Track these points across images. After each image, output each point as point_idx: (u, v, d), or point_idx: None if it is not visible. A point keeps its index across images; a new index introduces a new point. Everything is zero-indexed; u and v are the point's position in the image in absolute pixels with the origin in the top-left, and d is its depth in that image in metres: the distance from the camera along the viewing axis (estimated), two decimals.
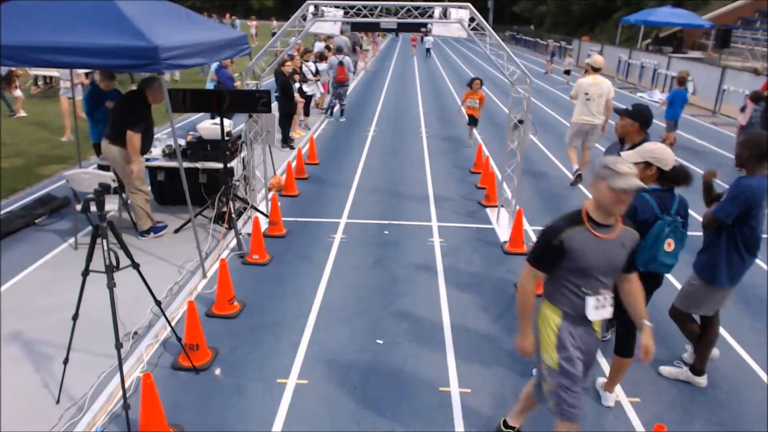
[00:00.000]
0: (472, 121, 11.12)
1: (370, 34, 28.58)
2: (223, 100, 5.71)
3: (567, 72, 23.07)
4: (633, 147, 4.16)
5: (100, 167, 6.59)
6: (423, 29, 6.51)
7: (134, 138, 5.73)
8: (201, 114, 11.95)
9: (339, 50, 13.35)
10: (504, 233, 6.81)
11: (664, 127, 11.25)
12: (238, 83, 10.06)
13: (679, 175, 3.34)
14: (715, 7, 28.64)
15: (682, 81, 11.08)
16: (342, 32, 16.23)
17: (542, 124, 13.49)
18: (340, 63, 12.74)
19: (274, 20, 40.13)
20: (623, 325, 3.72)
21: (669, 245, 3.30)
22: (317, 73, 12.35)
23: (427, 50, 31.27)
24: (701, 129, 14.01)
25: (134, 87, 6.30)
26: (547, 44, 34.33)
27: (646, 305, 3.64)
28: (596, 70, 8.28)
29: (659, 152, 3.34)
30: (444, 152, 10.77)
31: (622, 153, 3.55)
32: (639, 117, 4.14)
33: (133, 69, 5.02)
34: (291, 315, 4.93)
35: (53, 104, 14.03)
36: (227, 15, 39.59)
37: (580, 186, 8.65)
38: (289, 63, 10.40)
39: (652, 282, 3.54)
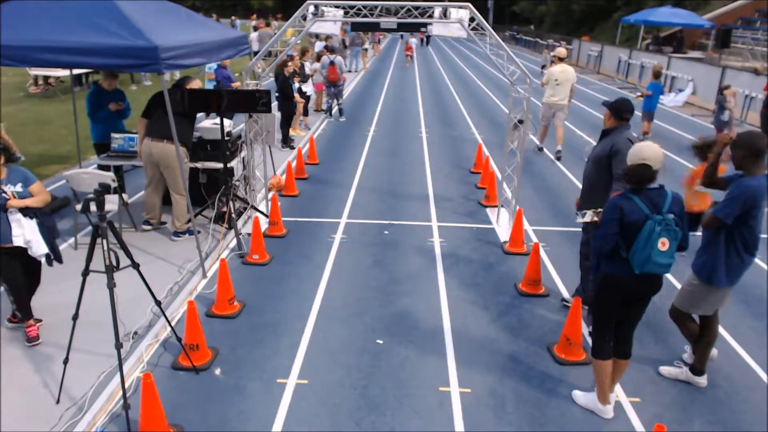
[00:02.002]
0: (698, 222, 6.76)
1: (371, 34, 28.20)
2: (223, 100, 5.71)
3: (544, 66, 22.99)
4: (607, 132, 4.52)
5: (101, 167, 6.59)
6: (423, 29, 6.51)
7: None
8: (200, 114, 11.94)
9: (332, 50, 13.32)
10: (504, 233, 6.81)
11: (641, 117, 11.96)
12: (237, 83, 10.06)
13: (627, 175, 3.41)
14: (715, 7, 28.63)
15: (657, 74, 11.87)
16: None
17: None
18: (332, 63, 12.71)
19: (273, 20, 39.91)
20: (620, 327, 3.71)
21: (663, 244, 3.24)
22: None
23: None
24: (701, 129, 13.98)
25: (134, 87, 6.29)
26: (546, 44, 31.58)
27: (642, 313, 3.66)
28: (561, 59, 10.06)
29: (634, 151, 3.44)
30: (444, 152, 10.76)
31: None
32: (610, 107, 4.54)
33: (133, 69, 5.02)
34: (291, 315, 4.93)
35: (53, 104, 14.04)
36: (253, 15, 39.17)
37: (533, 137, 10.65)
38: (290, 63, 10.41)
39: (649, 285, 3.49)
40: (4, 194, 4.02)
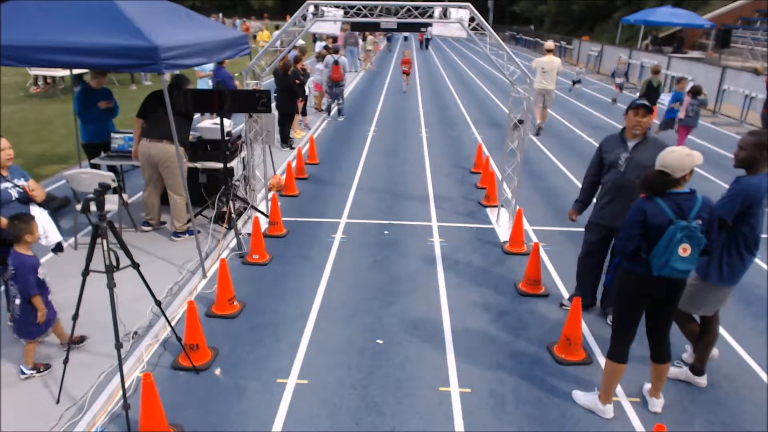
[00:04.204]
0: None
1: (375, 34, 28.04)
2: (224, 100, 5.71)
3: (576, 82, 19.00)
4: (645, 137, 4.37)
5: (93, 167, 6.58)
6: (423, 29, 6.51)
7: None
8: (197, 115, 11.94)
9: (335, 50, 13.33)
10: (504, 233, 6.81)
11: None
12: (237, 83, 10.06)
13: (643, 181, 3.40)
14: (715, 7, 28.64)
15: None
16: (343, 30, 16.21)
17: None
18: (336, 62, 12.71)
19: (258, 21, 39.51)
20: (651, 330, 3.69)
21: (684, 251, 3.20)
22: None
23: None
24: (701, 129, 13.96)
25: (134, 87, 6.27)
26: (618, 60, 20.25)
27: (670, 316, 3.62)
28: (549, 51, 11.98)
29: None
30: (444, 152, 10.77)
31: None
32: (651, 109, 4.36)
33: (133, 69, 5.02)
34: (291, 315, 4.93)
35: (53, 104, 14.05)
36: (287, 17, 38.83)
37: (533, 137, 11.85)
38: (299, 64, 10.49)
39: (668, 287, 3.44)
40: (18, 188, 4.06)
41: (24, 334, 3.90)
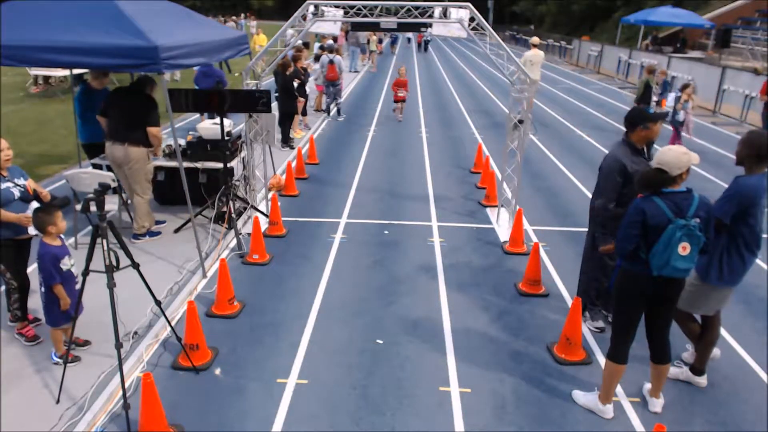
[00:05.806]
0: None
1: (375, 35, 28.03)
2: (224, 100, 5.71)
3: (678, 124, 10.79)
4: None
5: (95, 167, 6.57)
6: (423, 29, 6.51)
7: (159, 132, 5.96)
8: (197, 115, 11.94)
9: (330, 49, 13.33)
10: (504, 233, 6.81)
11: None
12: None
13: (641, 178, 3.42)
14: (715, 7, 28.63)
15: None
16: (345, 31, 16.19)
17: (543, 124, 13.49)
18: (331, 62, 12.72)
19: (250, 19, 39.17)
20: (651, 331, 3.69)
21: (684, 249, 3.21)
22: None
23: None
24: (702, 129, 13.98)
25: None
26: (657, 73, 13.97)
27: (670, 316, 3.62)
28: (535, 45, 13.49)
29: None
30: (444, 152, 10.76)
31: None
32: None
33: (133, 69, 5.02)
34: (291, 315, 4.93)
35: (53, 104, 14.05)
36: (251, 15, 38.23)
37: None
38: (299, 62, 10.50)
39: (668, 286, 3.43)
40: (19, 187, 4.08)
41: (49, 321, 3.98)
